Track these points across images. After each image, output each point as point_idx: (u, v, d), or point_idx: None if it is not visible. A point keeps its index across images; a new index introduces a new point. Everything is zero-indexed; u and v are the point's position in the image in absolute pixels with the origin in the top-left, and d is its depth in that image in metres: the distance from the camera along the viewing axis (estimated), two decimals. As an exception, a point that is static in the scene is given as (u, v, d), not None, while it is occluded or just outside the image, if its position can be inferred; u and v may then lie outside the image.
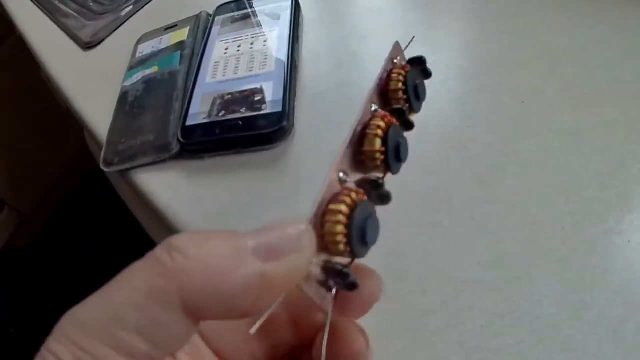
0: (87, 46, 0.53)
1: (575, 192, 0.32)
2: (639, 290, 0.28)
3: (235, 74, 0.39)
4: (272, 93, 0.36)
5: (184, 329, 0.15)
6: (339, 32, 0.46)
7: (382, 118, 0.20)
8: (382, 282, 0.20)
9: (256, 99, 0.36)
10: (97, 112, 0.44)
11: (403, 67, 0.23)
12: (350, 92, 0.39)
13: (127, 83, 0.43)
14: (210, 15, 0.48)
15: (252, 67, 0.39)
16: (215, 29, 0.45)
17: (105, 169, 0.38)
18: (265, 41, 0.41)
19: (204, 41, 0.44)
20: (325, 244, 0.18)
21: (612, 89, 0.37)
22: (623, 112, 0.35)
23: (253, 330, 0.16)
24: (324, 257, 0.18)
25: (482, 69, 0.40)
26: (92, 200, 1.35)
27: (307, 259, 0.16)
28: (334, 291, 0.18)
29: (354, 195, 0.18)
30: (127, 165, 0.37)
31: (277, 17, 0.44)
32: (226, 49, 0.42)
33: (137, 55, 0.46)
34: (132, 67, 0.45)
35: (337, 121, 0.37)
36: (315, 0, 0.50)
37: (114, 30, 0.53)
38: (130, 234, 0.77)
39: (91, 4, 0.62)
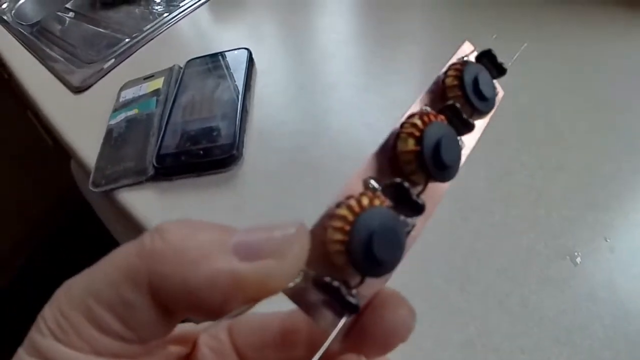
0: (77, 90, 0.63)
1: (464, 194, 0.40)
2: (522, 270, 0.35)
3: (199, 115, 0.50)
4: (226, 129, 0.48)
5: (153, 316, 0.14)
6: (284, 81, 0.57)
7: (421, 116, 0.17)
8: (413, 316, 0.17)
9: (214, 134, 0.47)
10: (86, 145, 0.54)
11: (464, 63, 0.20)
12: (291, 128, 0.51)
13: (112, 122, 0.54)
14: (182, 68, 0.59)
15: (212, 110, 0.50)
16: (185, 79, 0.56)
17: (94, 189, 0.48)
18: (224, 89, 0.53)
19: (176, 89, 0.55)
20: (327, 254, 0.15)
21: (509, 110, 0.46)
22: (517, 130, 0.45)
23: (204, 328, 0.16)
24: (326, 272, 0.15)
25: (359, 97, 0.51)
26: (74, 240, 1.36)
27: (287, 266, 0.14)
28: (344, 318, 0.16)
29: (365, 200, 0.15)
30: (112, 186, 0.47)
31: (234, 69, 0.56)
32: (193, 94, 0.53)
33: (121, 99, 0.57)
34: (117, 109, 0.56)
35: (279, 150, 0.48)
36: (267, 55, 0.61)
37: (100, 78, 0.64)
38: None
39: (79, 52, 0.72)
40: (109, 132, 0.53)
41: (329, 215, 0.15)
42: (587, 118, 0.46)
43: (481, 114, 0.20)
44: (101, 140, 0.52)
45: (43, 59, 0.72)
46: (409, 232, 0.17)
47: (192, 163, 0.46)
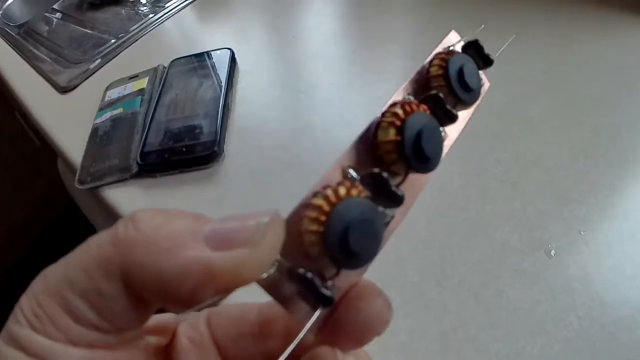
0: (64, 90, 0.63)
1: (440, 189, 0.41)
2: (497, 262, 0.35)
3: (182, 113, 0.51)
4: (208, 127, 0.48)
5: (127, 305, 0.14)
6: (267, 81, 0.58)
7: (403, 105, 0.17)
8: (390, 309, 0.16)
9: (196, 131, 0.48)
10: (72, 144, 0.54)
11: (450, 52, 0.19)
12: (273, 127, 0.52)
13: (98, 120, 0.54)
14: (166, 68, 0.60)
15: (195, 108, 0.51)
16: (169, 79, 0.57)
17: (79, 187, 0.48)
18: (206, 88, 0.53)
19: (160, 88, 0.56)
20: (303, 245, 0.15)
21: (486, 107, 0.47)
22: (493, 126, 0.46)
23: (177, 317, 0.16)
24: (301, 263, 0.15)
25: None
26: (60, 240, 1.29)
27: (260, 255, 0.14)
28: (319, 310, 0.15)
29: (342, 190, 0.15)
30: (97, 184, 0.48)
31: (217, 69, 0.57)
32: (176, 94, 0.54)
33: (106, 99, 0.57)
34: (102, 108, 0.56)
35: (259, 147, 0.49)
36: (249, 56, 0.62)
37: (87, 78, 0.64)
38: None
39: (66, 52, 0.73)
40: (95, 130, 0.53)
41: (305, 205, 0.15)
42: (562, 115, 0.47)
43: (465, 104, 0.19)
44: (87, 139, 0.53)
45: (30, 60, 0.72)
46: (387, 224, 0.17)
47: (175, 160, 0.46)
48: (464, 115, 0.19)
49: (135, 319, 0.15)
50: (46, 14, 0.87)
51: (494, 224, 0.39)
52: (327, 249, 0.14)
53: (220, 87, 0.53)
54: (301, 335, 0.15)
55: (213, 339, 0.19)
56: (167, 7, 0.76)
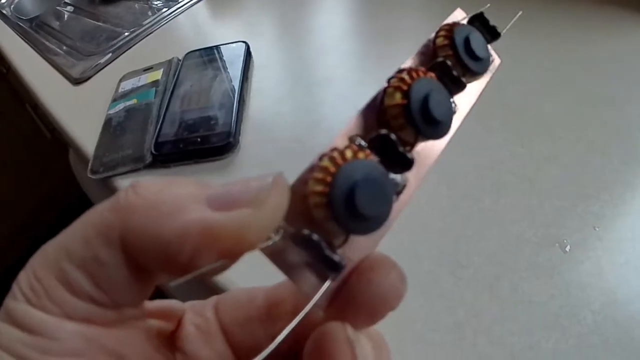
0: (77, 82, 0.64)
1: (455, 182, 0.41)
2: (512, 256, 0.35)
3: (197, 104, 0.51)
4: (224, 118, 0.48)
5: (126, 275, 0.14)
6: (280, 75, 0.59)
7: (410, 72, 0.16)
8: (404, 282, 0.16)
9: (211, 122, 0.48)
10: (84, 135, 0.54)
11: (453, 24, 0.19)
12: (287, 119, 0.52)
13: (111, 111, 0.55)
14: (180, 60, 0.60)
15: (210, 100, 0.51)
16: (184, 71, 0.57)
17: (92, 177, 0.49)
18: (221, 81, 0.54)
19: (174, 80, 0.56)
20: (308, 209, 0.14)
21: (502, 102, 0.47)
22: (509, 121, 0.46)
23: (173, 283, 0.14)
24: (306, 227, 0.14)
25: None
26: None
27: (264, 215, 0.13)
28: (328, 282, 0.14)
29: (349, 152, 0.14)
30: (110, 173, 0.48)
31: (232, 62, 0.57)
32: (191, 85, 0.54)
33: (120, 90, 0.58)
34: (116, 99, 0.56)
35: (274, 139, 0.49)
36: (262, 51, 0.62)
37: (99, 71, 0.65)
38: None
39: (79, 45, 0.73)
40: (108, 121, 0.53)
41: (311, 168, 0.14)
42: (577, 112, 0.47)
43: (474, 74, 0.19)
44: (100, 130, 0.53)
45: (43, 52, 0.73)
46: (399, 193, 0.16)
47: (190, 150, 0.47)
48: (474, 88, 0.19)
49: (134, 291, 0.14)
50: (58, 8, 0.87)
51: (509, 217, 0.39)
52: (333, 211, 0.14)
53: (236, 79, 0.53)
54: (309, 306, 0.14)
55: (221, 325, 0.19)
56: (181, 1, 0.77)
